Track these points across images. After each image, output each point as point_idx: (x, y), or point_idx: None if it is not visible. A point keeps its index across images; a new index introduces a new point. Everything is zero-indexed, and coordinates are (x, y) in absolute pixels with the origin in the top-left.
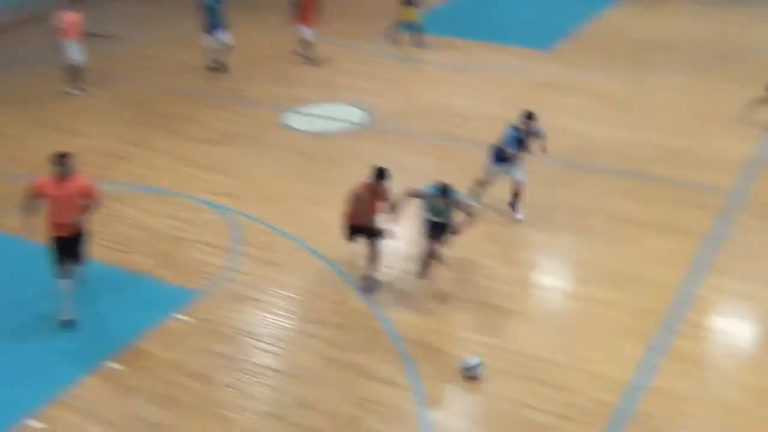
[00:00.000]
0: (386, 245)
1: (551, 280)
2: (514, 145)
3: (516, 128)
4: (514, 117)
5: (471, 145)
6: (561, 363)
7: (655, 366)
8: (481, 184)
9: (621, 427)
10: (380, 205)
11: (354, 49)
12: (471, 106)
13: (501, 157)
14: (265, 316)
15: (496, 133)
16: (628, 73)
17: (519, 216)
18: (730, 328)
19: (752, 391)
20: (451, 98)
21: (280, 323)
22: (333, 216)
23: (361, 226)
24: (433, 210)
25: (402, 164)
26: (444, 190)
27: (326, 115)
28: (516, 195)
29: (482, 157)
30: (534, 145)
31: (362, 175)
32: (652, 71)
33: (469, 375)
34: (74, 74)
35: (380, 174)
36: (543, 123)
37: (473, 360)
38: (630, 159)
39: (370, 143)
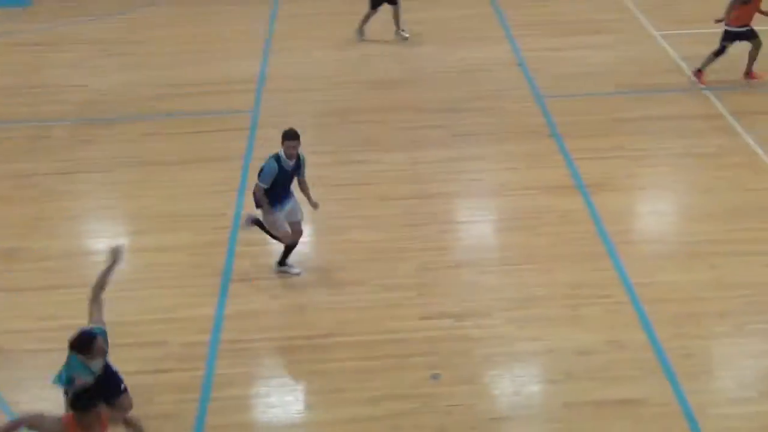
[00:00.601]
0: None
1: (97, 243)
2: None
3: (278, 159)
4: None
5: None
6: (144, 321)
7: (230, 292)
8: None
9: (216, 361)
10: None
11: None
12: None
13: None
14: None
15: None
16: (116, 14)
17: (295, 270)
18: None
19: (316, 284)
20: None
21: None
22: None
23: None
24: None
25: None
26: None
27: None
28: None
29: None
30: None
31: None
32: (138, 7)
33: None
34: None
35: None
36: (41, 83)
37: None
38: (146, 101)
39: None
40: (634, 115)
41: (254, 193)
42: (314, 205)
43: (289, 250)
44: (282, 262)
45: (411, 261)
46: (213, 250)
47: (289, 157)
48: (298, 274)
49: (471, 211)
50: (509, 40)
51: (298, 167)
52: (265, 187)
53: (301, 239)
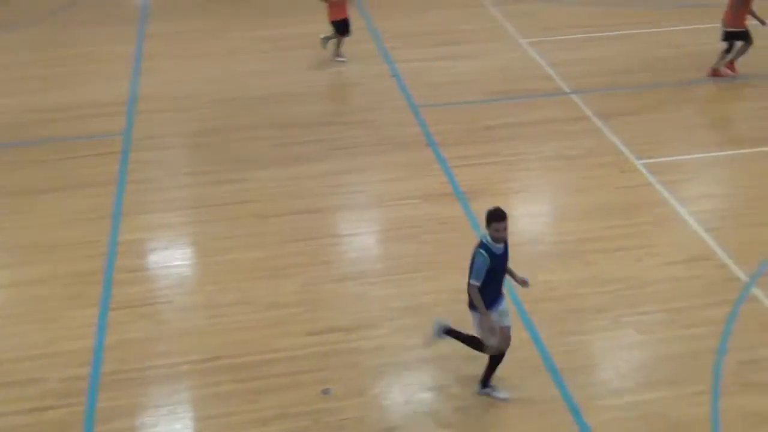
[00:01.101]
0: None
1: None
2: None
3: (487, 247)
4: None
5: None
6: (18, 358)
7: (109, 321)
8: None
9: (98, 394)
10: None
11: None
12: None
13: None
14: None
15: None
16: None
17: (503, 395)
18: (164, 260)
19: (200, 307)
20: None
21: None
22: None
23: None
24: None
25: None
26: None
27: None
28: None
29: None
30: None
31: None
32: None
33: None
34: None
35: None
36: None
37: None
38: (11, 129)
39: None
40: (506, 121)
41: (469, 295)
42: (523, 283)
43: (495, 364)
44: (486, 381)
45: (295, 277)
46: (89, 279)
47: (497, 240)
48: (505, 400)
49: (354, 223)
50: (382, 52)
51: (506, 250)
52: (478, 285)
53: (182, 261)
